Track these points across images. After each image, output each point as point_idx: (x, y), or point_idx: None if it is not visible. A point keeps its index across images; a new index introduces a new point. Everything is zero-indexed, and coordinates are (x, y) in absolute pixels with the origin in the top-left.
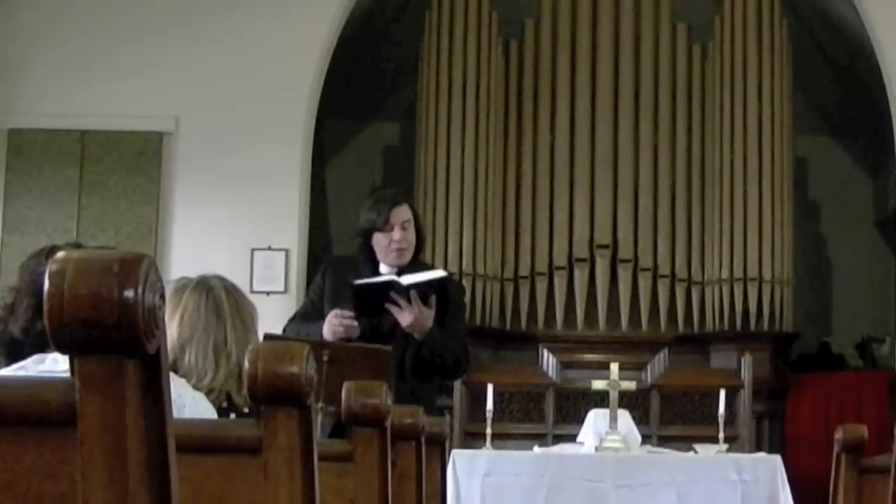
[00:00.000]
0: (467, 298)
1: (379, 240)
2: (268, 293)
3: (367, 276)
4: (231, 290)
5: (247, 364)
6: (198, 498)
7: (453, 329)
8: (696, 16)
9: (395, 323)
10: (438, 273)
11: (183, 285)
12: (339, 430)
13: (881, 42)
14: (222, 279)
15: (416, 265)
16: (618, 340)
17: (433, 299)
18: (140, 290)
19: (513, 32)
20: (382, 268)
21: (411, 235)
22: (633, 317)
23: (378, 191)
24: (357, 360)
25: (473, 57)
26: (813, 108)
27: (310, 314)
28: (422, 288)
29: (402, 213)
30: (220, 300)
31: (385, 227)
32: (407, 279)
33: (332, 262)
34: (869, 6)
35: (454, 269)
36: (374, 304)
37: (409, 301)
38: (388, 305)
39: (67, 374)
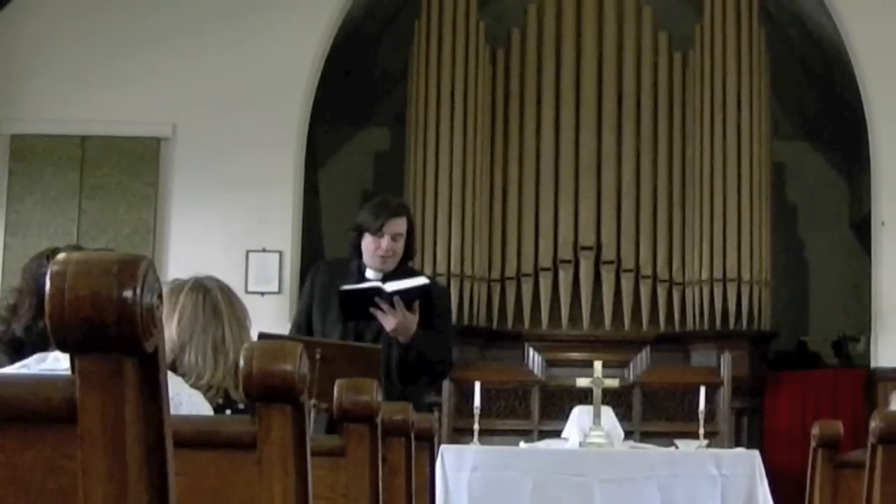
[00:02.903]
0: (455, 299)
1: (367, 242)
2: (262, 293)
3: (354, 275)
4: (225, 290)
5: (242, 362)
6: (194, 492)
7: (438, 332)
8: (677, 25)
9: (381, 327)
10: (422, 280)
11: (179, 286)
12: (333, 426)
13: (856, 51)
14: (216, 280)
15: (400, 272)
16: (601, 339)
17: (416, 305)
18: (138, 291)
19: (499, 41)
20: (368, 272)
21: (399, 248)
22: (616, 316)
23: (386, 196)
24: (348, 358)
25: (461, 65)
26: (790, 115)
27: (301, 327)
28: (406, 295)
29: (398, 225)
30: (216, 300)
31: (377, 232)
32: (391, 286)
33: (320, 267)
34: (845, 16)
35: (443, 270)
36: (359, 308)
37: (394, 307)
38: (372, 310)
39: (68, 372)
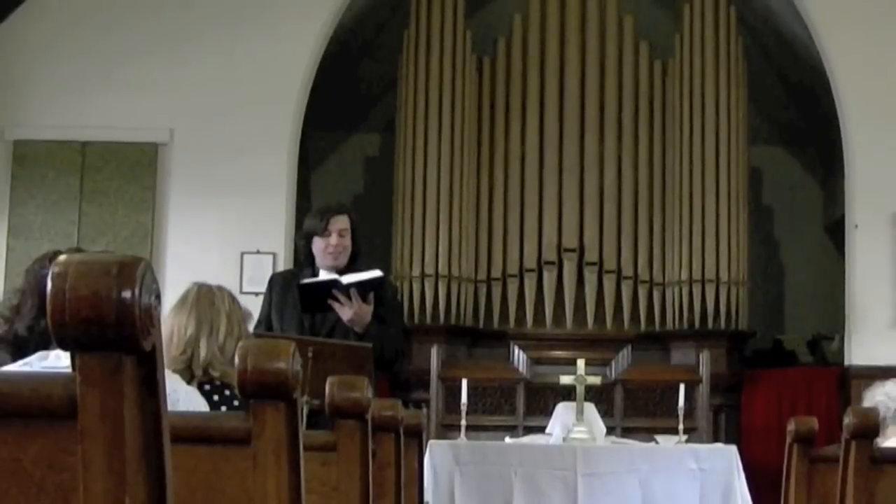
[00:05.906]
0: (443, 299)
1: (318, 244)
2: (256, 294)
3: (310, 278)
4: (212, 290)
5: (237, 359)
6: (191, 485)
7: (391, 325)
8: (657, 35)
9: (338, 318)
10: (375, 273)
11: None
12: (311, 419)
13: (831, 60)
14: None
15: (352, 269)
16: (584, 338)
17: (371, 296)
18: (137, 291)
19: (486, 50)
20: (322, 273)
21: (347, 242)
22: (598, 316)
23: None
24: (339, 356)
25: (449, 73)
26: (766, 121)
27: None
28: (361, 287)
29: (341, 221)
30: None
31: (324, 232)
32: (347, 278)
33: (275, 278)
34: (819, 26)
35: (430, 271)
36: (318, 301)
37: (350, 298)
38: (330, 302)
39: (69, 370)
